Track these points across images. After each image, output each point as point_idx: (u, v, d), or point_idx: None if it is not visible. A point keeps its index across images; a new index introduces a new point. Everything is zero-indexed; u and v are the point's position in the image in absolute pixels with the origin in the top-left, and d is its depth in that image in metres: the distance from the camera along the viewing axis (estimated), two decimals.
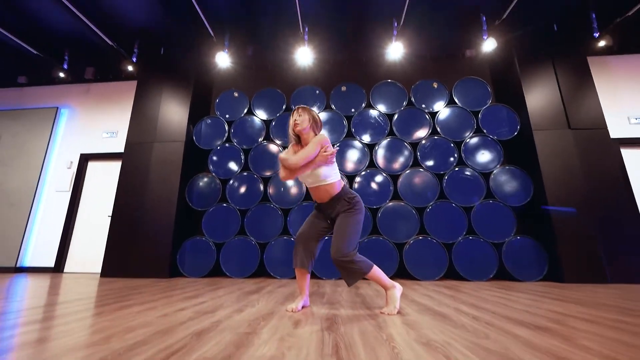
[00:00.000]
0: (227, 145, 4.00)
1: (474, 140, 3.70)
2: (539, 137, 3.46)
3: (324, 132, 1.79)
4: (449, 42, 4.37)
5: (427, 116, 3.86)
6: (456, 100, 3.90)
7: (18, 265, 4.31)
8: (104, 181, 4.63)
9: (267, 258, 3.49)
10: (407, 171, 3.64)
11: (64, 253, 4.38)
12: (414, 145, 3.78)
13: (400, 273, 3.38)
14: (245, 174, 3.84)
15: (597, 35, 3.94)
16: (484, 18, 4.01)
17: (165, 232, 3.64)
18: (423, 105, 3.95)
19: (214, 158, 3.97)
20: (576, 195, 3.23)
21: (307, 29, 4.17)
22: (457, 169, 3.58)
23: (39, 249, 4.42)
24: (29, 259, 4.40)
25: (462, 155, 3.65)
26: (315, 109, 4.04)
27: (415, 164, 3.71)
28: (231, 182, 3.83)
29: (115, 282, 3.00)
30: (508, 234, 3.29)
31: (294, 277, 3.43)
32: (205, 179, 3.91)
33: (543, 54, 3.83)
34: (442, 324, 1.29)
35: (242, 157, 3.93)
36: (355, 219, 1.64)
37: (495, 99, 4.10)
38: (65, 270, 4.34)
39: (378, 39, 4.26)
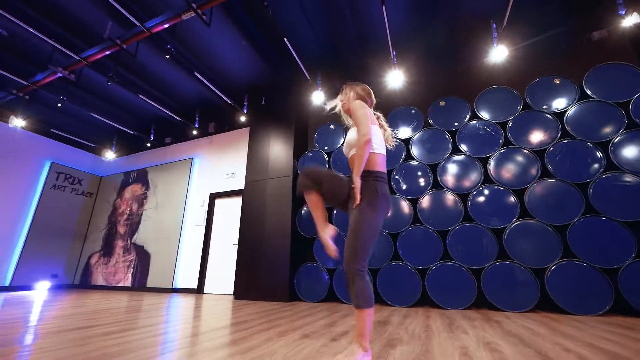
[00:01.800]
0: None
1: (625, 137, 2.98)
2: None
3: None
4: (565, 31, 3.77)
5: (551, 117, 3.34)
6: (590, 94, 3.26)
7: (173, 286, 5.36)
8: (228, 214, 5.46)
9: (379, 284, 3.45)
10: (535, 183, 3.16)
11: (203, 277, 5.25)
12: (540, 153, 3.28)
13: (542, 304, 2.85)
14: None
15: None
16: None
17: (283, 259, 4.00)
18: (545, 107, 3.44)
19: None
20: None
21: (395, 53, 4.23)
22: (605, 175, 2.92)
23: (186, 273, 5.41)
24: (179, 281, 5.42)
25: (612, 156, 2.97)
26: (409, 129, 3.97)
27: (545, 174, 3.20)
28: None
29: (248, 306, 3.40)
30: None
31: (411, 306, 3.27)
32: None
33: None
34: None
35: None
36: (367, 217, 1.35)
37: None
38: (204, 292, 5.18)
39: (475, 45, 3.99)
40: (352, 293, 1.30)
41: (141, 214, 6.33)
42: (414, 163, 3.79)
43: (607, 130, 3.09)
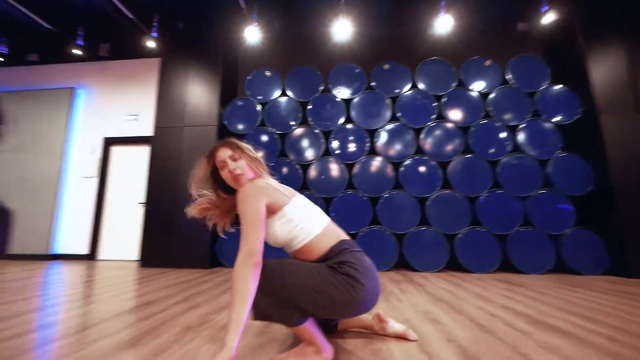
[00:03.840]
0: (260, 128, 3.76)
1: (531, 124, 3.43)
2: (606, 121, 3.19)
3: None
4: (502, 15, 3.97)
5: (478, 98, 3.57)
6: (509, 81, 3.59)
7: (51, 252, 4.25)
8: (130, 166, 4.45)
9: None
10: (457, 158, 3.42)
11: (96, 240, 4.30)
12: (465, 129, 3.53)
13: (451, 264, 3.27)
14: (284, 159, 3.64)
15: None
16: None
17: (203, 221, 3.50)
18: (472, 87, 3.64)
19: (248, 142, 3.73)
20: None
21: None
22: (511, 155, 3.36)
23: (71, 236, 4.34)
24: (62, 246, 4.33)
25: (518, 140, 3.41)
26: (350, 90, 3.75)
27: (467, 149, 3.48)
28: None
29: (159, 277, 2.91)
30: (567, 225, 3.14)
31: None
32: None
33: (610, 28, 3.45)
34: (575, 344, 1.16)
35: (279, 142, 3.70)
36: (330, 279, 0.98)
37: (551, 79, 3.75)
38: (99, 258, 4.29)
39: (425, 10, 3.86)
40: None
41: None
42: (352, 127, 3.65)
43: (519, 116, 3.49)
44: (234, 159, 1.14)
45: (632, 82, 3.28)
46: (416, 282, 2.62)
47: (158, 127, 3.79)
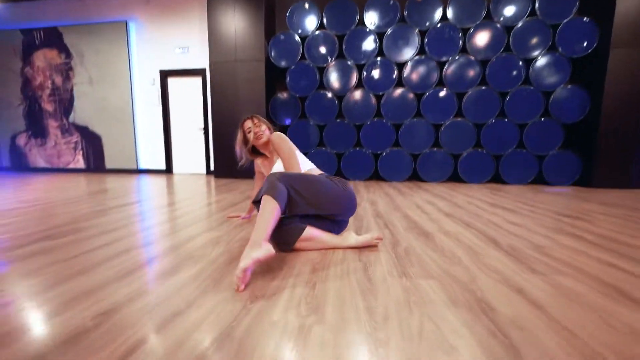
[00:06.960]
0: (300, 62, 4.26)
1: (545, 58, 3.79)
2: (616, 55, 3.53)
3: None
4: None
5: (501, 30, 3.85)
6: (537, 10, 3.77)
7: (138, 167, 5.46)
8: (186, 96, 5.19)
9: (343, 167, 4.35)
10: (473, 89, 3.96)
11: (170, 158, 5.42)
12: (485, 62, 3.94)
13: (452, 177, 4.20)
14: (321, 92, 4.27)
15: None
16: None
17: None
18: (500, 16, 3.87)
19: (291, 76, 4.32)
20: (633, 115, 3.57)
21: None
22: (520, 87, 3.85)
23: (149, 154, 5.46)
24: (144, 163, 5.51)
25: (530, 73, 3.83)
26: (383, 22, 4.05)
27: (483, 81, 3.97)
28: (308, 99, 4.31)
29: (228, 184, 4.02)
30: (553, 147, 3.86)
31: (366, 180, 4.35)
32: (285, 97, 4.40)
33: None
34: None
35: (317, 75, 4.26)
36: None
37: (579, 10, 3.84)
38: (174, 172, 5.49)
39: None
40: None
41: (71, 89, 5.45)
42: (383, 59, 4.11)
43: (536, 49, 3.81)
44: (256, 125, 1.72)
45: None
46: (422, 188, 3.61)
47: (213, 61, 4.37)
